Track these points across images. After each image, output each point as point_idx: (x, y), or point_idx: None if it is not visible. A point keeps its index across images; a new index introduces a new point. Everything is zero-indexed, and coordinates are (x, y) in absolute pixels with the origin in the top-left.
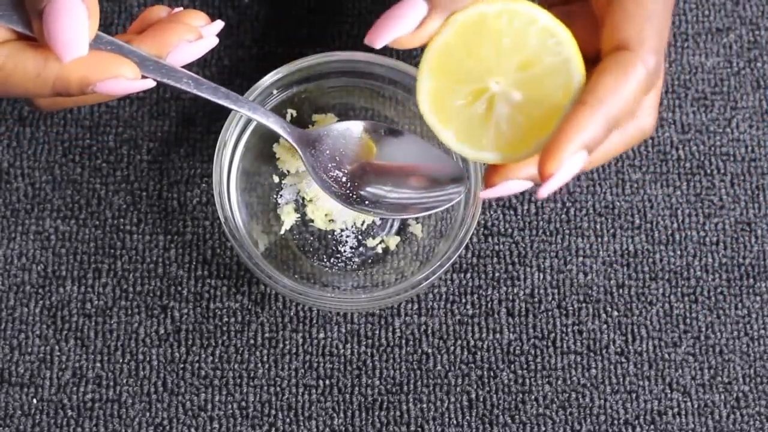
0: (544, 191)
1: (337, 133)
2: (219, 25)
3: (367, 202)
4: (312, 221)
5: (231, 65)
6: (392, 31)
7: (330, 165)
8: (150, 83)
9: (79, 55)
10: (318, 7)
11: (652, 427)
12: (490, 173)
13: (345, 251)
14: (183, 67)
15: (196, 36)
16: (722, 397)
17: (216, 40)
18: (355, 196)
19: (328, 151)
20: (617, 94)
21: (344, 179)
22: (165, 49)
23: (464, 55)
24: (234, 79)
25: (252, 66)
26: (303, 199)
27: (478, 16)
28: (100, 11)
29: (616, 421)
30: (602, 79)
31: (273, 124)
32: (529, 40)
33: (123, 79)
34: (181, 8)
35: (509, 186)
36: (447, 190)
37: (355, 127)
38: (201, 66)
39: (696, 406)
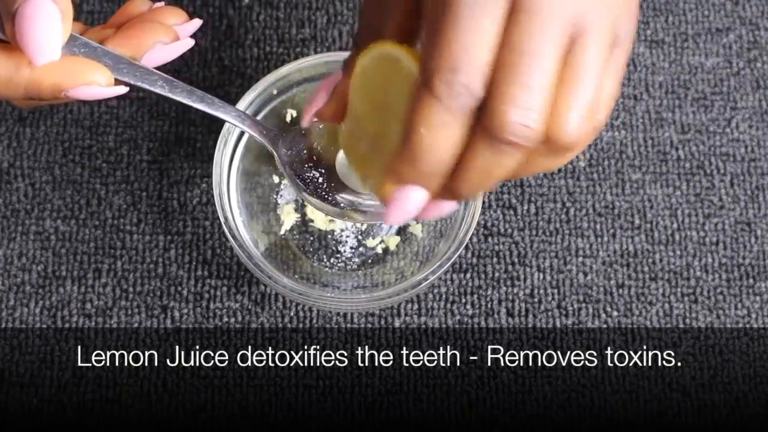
0: (386, 221)
1: (315, 132)
2: (196, 23)
3: (342, 206)
4: (312, 221)
5: (231, 65)
6: (312, 107)
7: (306, 165)
8: (123, 89)
9: (52, 59)
10: (318, 7)
11: (652, 427)
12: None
13: (345, 251)
14: (160, 68)
15: (172, 38)
16: (722, 397)
17: (191, 42)
18: (331, 199)
19: (305, 152)
20: (414, 134)
21: (320, 180)
22: (139, 51)
23: (358, 109)
24: (234, 79)
25: (252, 66)
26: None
27: (361, 71)
28: (99, 11)
29: (616, 421)
30: (406, 122)
31: (247, 126)
32: (393, 84)
33: (95, 85)
34: (162, 3)
35: (403, 201)
36: None
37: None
38: (201, 66)
39: (696, 406)
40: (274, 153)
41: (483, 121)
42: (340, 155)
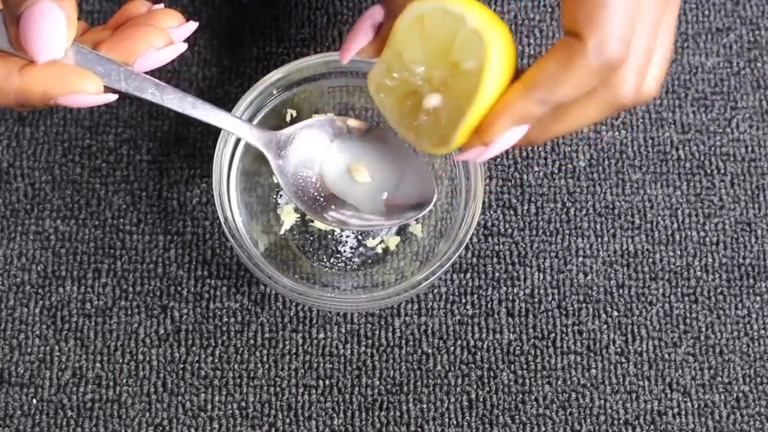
0: (482, 157)
1: (308, 132)
2: (191, 27)
3: (333, 207)
4: (312, 221)
5: (231, 65)
6: (354, 44)
7: (302, 166)
8: (113, 97)
9: (55, 57)
10: (318, 7)
11: (652, 427)
12: (478, 131)
13: (345, 251)
14: (160, 68)
15: (166, 42)
16: (722, 397)
17: (184, 47)
18: (322, 200)
19: (300, 151)
20: (556, 81)
21: (314, 179)
22: (132, 56)
23: (407, 54)
24: (234, 79)
25: (252, 66)
26: None
27: (416, 18)
28: (99, 11)
29: (616, 421)
30: (545, 63)
31: (241, 131)
32: (457, 40)
33: (84, 94)
34: (161, 5)
35: (503, 140)
36: (411, 213)
37: (324, 125)
38: (201, 66)
39: (696, 406)
40: (267, 156)
41: (615, 86)
42: (325, 159)
